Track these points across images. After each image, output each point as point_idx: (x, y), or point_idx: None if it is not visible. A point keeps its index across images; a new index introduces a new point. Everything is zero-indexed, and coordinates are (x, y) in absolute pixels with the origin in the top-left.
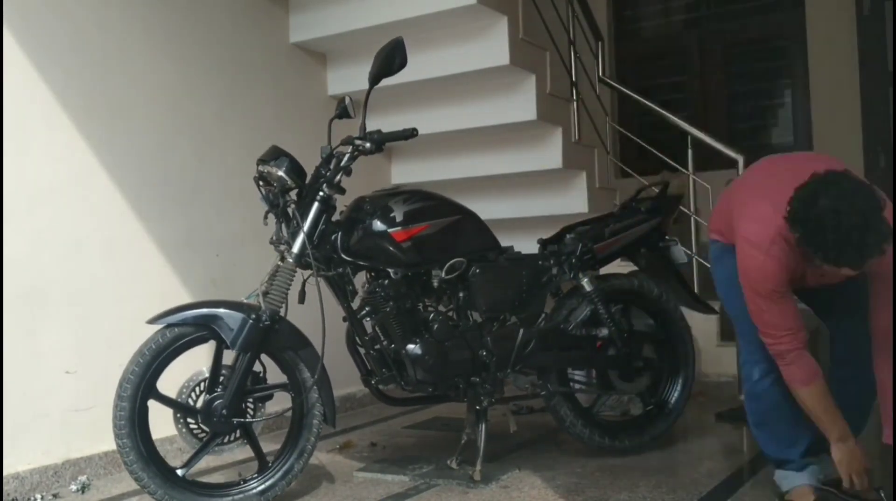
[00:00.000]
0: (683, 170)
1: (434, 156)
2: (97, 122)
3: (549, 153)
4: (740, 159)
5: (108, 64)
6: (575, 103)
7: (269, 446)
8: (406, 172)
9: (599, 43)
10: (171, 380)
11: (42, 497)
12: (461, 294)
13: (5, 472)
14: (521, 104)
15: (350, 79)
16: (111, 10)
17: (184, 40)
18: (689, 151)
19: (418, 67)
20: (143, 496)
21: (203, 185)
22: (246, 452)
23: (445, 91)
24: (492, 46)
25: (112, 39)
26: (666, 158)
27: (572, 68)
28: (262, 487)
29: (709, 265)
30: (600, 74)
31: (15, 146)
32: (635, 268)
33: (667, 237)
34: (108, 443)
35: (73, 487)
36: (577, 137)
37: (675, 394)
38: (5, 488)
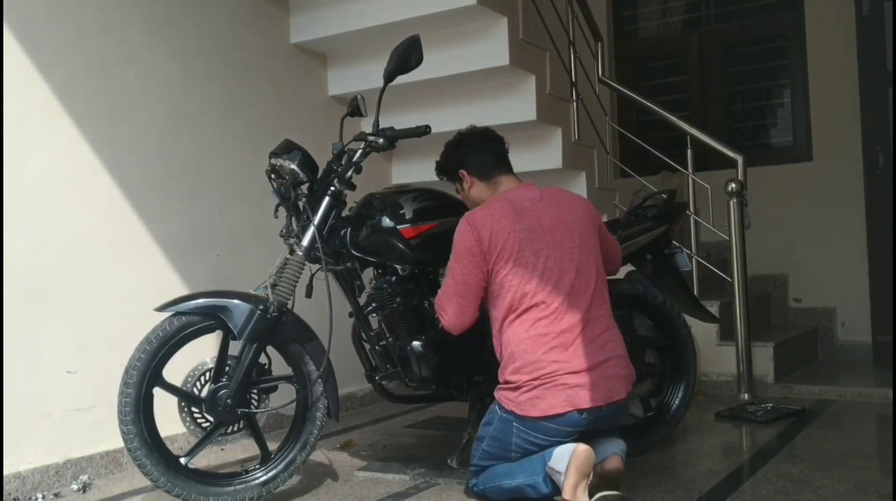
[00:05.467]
0: (683, 170)
1: (434, 156)
2: (98, 122)
3: (549, 154)
4: (739, 159)
5: (109, 64)
6: (575, 104)
7: (271, 445)
8: (406, 172)
9: (599, 43)
10: (176, 369)
11: (43, 497)
12: None
13: (6, 471)
14: (521, 105)
15: (351, 79)
16: (112, 10)
17: (185, 41)
18: (689, 151)
19: (419, 68)
20: (145, 495)
21: (204, 185)
22: (247, 451)
23: (446, 92)
24: (492, 47)
25: (113, 40)
26: (665, 158)
27: (572, 69)
28: (265, 478)
29: (709, 265)
30: (600, 74)
31: (15, 146)
32: (635, 272)
33: (673, 244)
34: (109, 443)
35: (75, 486)
36: (576, 138)
37: (677, 400)
38: (6, 487)
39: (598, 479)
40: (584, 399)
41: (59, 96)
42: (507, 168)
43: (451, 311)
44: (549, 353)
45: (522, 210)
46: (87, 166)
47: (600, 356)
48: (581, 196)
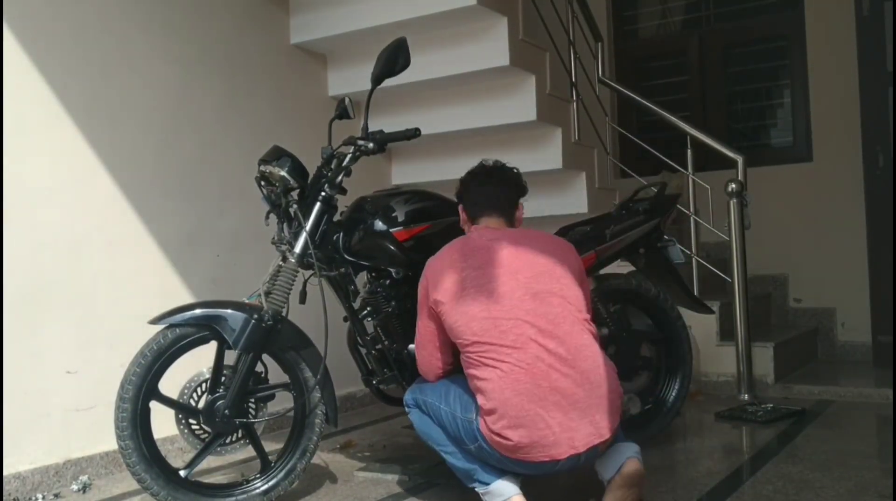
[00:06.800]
0: (683, 170)
1: (434, 156)
2: (98, 122)
3: (549, 154)
4: (739, 160)
5: (109, 64)
6: (574, 104)
7: (270, 445)
8: (406, 172)
9: (599, 43)
10: (172, 381)
11: (43, 497)
12: None
13: (6, 472)
14: (521, 105)
15: (351, 80)
16: (112, 10)
17: (185, 41)
18: (689, 152)
19: (419, 68)
20: (145, 495)
21: (204, 185)
22: (246, 452)
23: (446, 92)
24: (492, 47)
25: (113, 40)
26: (665, 159)
27: (572, 69)
28: (266, 487)
29: (709, 266)
30: (600, 74)
31: (15, 146)
32: (633, 268)
33: (665, 237)
34: (109, 443)
35: (75, 487)
36: (576, 138)
37: (674, 393)
38: (6, 487)
39: (622, 483)
40: (561, 451)
41: (59, 96)
42: (499, 211)
43: (419, 360)
44: (525, 405)
45: (474, 249)
46: (87, 166)
47: (582, 392)
48: (558, 238)
